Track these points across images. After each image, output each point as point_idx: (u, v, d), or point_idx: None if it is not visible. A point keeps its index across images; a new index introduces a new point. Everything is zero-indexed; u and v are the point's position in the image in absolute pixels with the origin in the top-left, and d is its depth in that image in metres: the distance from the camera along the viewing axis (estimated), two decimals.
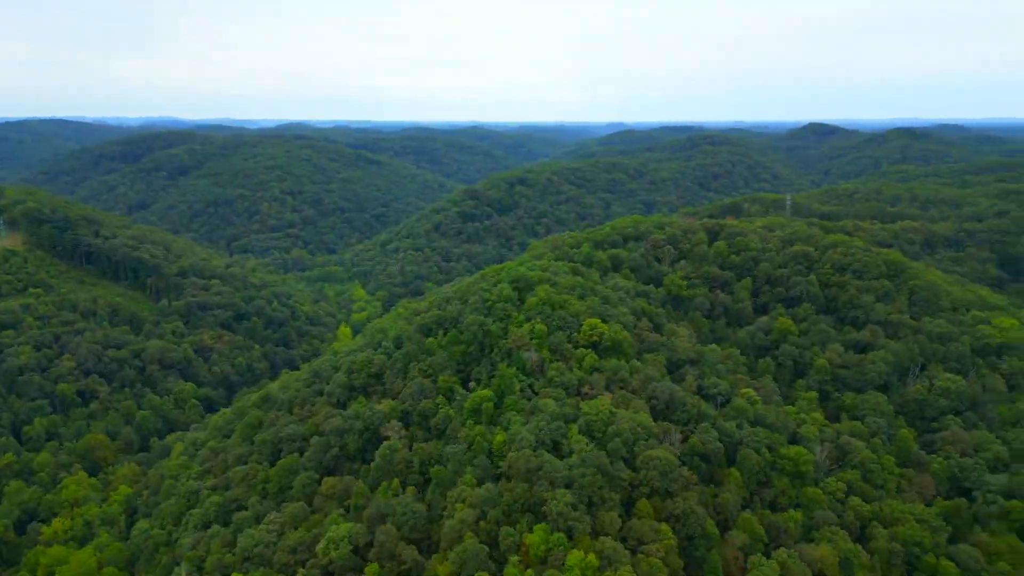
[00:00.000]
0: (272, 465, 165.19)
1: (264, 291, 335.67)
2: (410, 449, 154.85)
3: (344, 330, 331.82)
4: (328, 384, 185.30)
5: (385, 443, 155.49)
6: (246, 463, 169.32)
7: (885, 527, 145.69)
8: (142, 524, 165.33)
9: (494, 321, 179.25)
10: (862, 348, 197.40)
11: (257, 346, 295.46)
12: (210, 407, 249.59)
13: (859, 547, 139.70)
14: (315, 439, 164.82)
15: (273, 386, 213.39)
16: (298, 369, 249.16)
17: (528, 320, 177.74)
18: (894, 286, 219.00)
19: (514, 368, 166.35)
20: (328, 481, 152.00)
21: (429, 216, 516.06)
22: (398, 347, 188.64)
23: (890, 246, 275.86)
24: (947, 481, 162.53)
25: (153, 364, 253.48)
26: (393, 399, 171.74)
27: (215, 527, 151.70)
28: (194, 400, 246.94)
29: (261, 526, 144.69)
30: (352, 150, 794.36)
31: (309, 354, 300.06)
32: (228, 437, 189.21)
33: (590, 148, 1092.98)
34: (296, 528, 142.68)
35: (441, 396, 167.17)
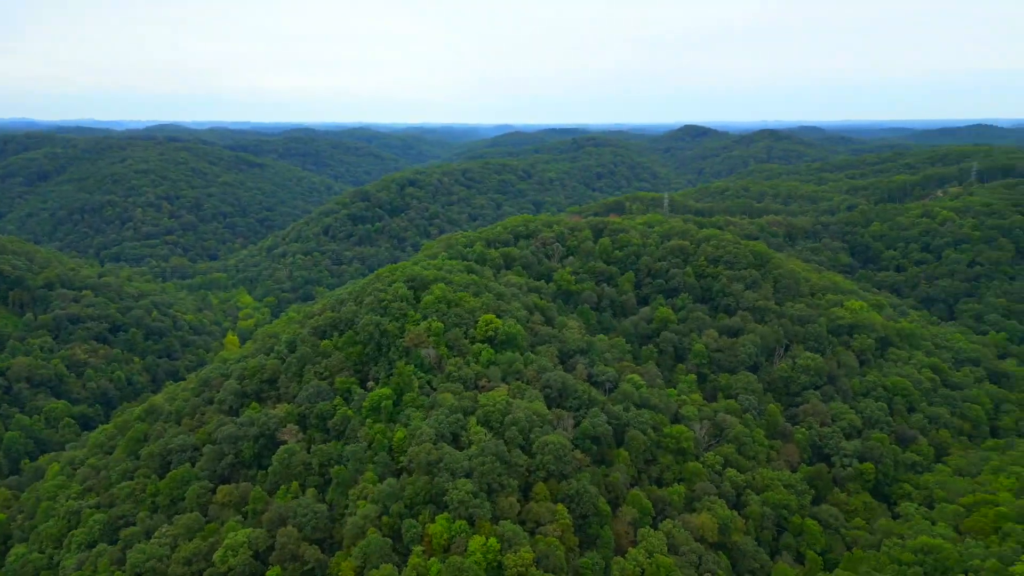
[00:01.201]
0: (161, 478, 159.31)
1: (142, 301, 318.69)
2: (308, 451, 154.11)
3: (231, 338, 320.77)
4: (219, 392, 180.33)
5: (282, 447, 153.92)
6: (132, 478, 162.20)
7: (757, 494, 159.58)
8: (18, 549, 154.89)
9: (390, 320, 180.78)
10: (734, 332, 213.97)
11: (137, 359, 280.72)
12: (86, 425, 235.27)
13: (735, 513, 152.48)
14: (207, 448, 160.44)
15: (157, 398, 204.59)
16: (183, 380, 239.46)
17: (425, 318, 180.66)
18: (760, 275, 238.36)
19: (412, 366, 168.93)
20: (223, 489, 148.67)
21: (318, 219, 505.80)
22: (292, 351, 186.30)
23: (757, 238, 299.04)
24: (809, 449, 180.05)
25: (20, 382, 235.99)
26: (289, 403, 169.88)
27: (101, 545, 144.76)
28: (68, 418, 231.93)
29: (152, 540, 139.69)
30: (232, 152, 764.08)
31: (194, 364, 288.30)
32: (110, 453, 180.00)
33: (479, 149, 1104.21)
34: (191, 539, 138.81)
35: (339, 397, 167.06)
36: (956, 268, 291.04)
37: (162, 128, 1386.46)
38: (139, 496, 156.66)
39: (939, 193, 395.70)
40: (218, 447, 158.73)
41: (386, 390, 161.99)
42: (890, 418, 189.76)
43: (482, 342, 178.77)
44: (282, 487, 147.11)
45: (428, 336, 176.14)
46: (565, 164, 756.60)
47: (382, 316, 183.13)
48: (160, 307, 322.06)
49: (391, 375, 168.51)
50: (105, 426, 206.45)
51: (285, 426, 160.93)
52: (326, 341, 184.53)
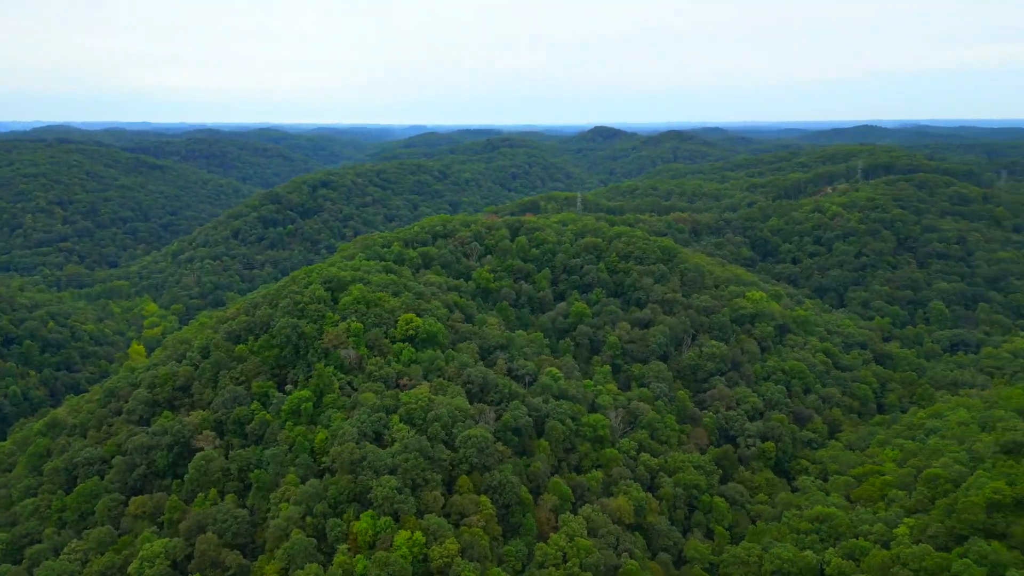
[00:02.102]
0: (68, 493, 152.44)
1: (37, 312, 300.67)
2: (226, 457, 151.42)
3: (137, 347, 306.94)
4: (127, 402, 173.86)
5: (199, 454, 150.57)
6: (35, 495, 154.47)
7: (670, 476, 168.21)
8: None
9: (308, 322, 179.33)
10: (645, 324, 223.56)
11: (33, 372, 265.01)
12: None
13: (649, 495, 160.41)
14: (117, 460, 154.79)
15: (59, 411, 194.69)
16: (86, 392, 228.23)
17: (343, 319, 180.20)
18: (668, 269, 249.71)
19: (332, 367, 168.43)
20: (136, 500, 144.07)
21: (226, 223, 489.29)
22: (205, 356, 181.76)
23: (665, 235, 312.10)
24: (717, 431, 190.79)
25: None
26: (204, 409, 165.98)
27: (4, 566, 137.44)
28: None
29: (61, 557, 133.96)
30: (130, 154, 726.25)
31: (97, 376, 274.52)
32: (10, 471, 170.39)
33: (393, 150, 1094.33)
34: (103, 553, 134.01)
35: (256, 401, 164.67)
36: (845, 259, 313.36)
37: (50, 129, 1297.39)
38: (44, 513, 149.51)
39: (829, 190, 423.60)
40: (129, 458, 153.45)
41: (305, 392, 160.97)
42: (788, 400, 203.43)
43: (403, 341, 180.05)
44: (199, 495, 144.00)
45: (347, 337, 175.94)
46: (480, 165, 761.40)
47: (299, 318, 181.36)
48: (57, 317, 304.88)
49: (310, 377, 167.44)
50: (1, 443, 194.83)
51: (201, 433, 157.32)
52: (241, 345, 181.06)
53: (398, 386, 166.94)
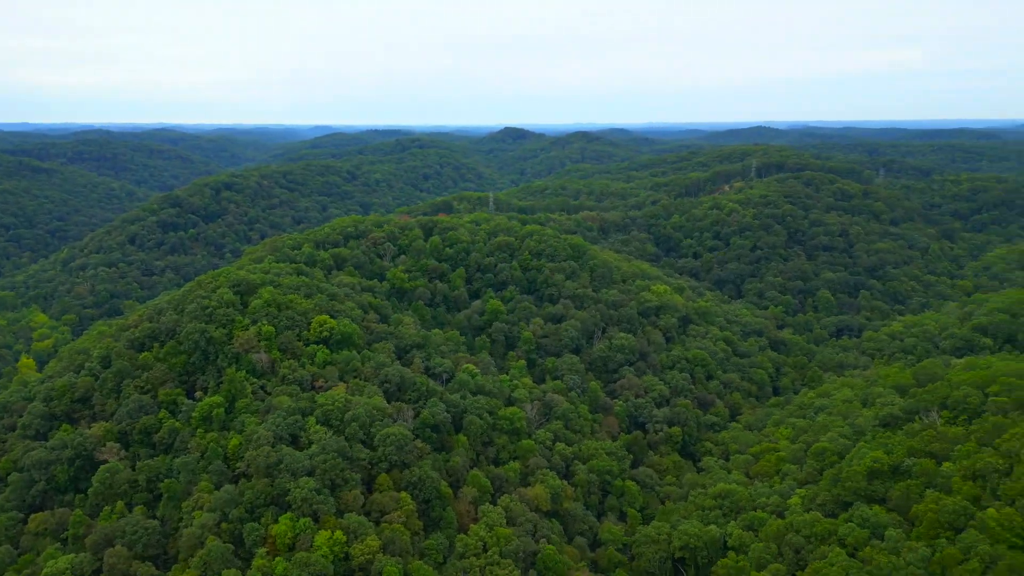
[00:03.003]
0: None
1: None
2: (133, 469, 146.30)
3: (26, 361, 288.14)
4: (22, 417, 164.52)
5: (103, 467, 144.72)
6: None
7: (584, 463, 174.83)
8: None
9: (217, 327, 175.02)
10: (558, 319, 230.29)
11: None
12: None
13: (565, 483, 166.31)
14: (13, 477, 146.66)
15: None
16: None
17: (254, 323, 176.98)
18: (579, 266, 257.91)
19: (243, 371, 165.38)
20: (37, 517, 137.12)
21: (122, 227, 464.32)
22: (106, 366, 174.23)
23: (574, 233, 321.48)
24: (627, 419, 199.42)
25: None
26: (107, 421, 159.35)
27: None
28: None
29: None
30: (11, 157, 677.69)
31: None
32: None
33: (299, 151, 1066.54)
34: (2, 574, 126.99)
35: (164, 410, 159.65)
36: (741, 253, 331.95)
37: None
38: None
39: (726, 187, 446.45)
40: (26, 474, 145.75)
41: (217, 398, 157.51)
42: (692, 386, 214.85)
43: (317, 343, 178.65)
44: (105, 508, 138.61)
45: (259, 341, 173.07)
46: (391, 165, 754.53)
47: (207, 323, 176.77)
48: None
49: (221, 383, 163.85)
50: None
51: (104, 445, 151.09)
52: (146, 353, 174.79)
53: (314, 388, 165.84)
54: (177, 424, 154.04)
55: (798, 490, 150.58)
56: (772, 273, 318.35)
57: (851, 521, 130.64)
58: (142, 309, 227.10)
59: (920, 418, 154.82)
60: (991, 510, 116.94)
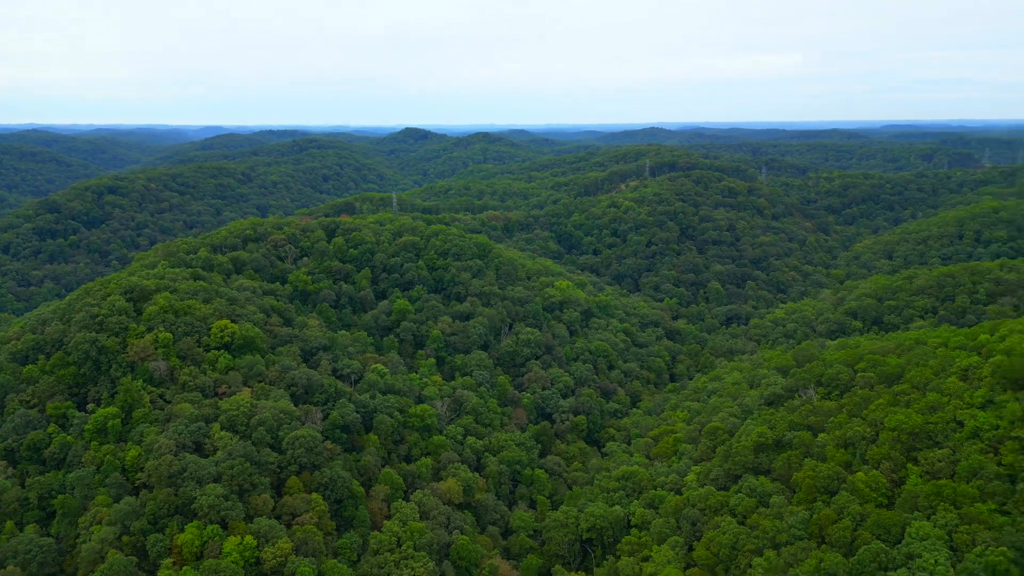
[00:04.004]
0: None
1: None
2: (23, 486, 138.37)
3: None
4: None
5: None
6: None
7: (494, 455, 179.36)
8: None
9: (108, 336, 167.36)
10: (465, 317, 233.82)
11: None
12: None
13: (476, 475, 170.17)
14: None
15: None
16: None
17: (150, 330, 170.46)
18: (484, 264, 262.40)
19: (140, 380, 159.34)
20: None
21: None
22: None
23: (479, 232, 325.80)
24: (535, 410, 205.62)
25: None
26: None
27: None
28: None
29: None
30: None
31: None
32: None
33: (189, 152, 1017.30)
34: None
35: (53, 424, 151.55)
36: (638, 248, 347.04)
37: None
38: None
39: (623, 186, 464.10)
40: None
41: (112, 409, 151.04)
42: (596, 376, 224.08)
43: (218, 348, 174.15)
44: None
45: (155, 348, 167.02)
46: (288, 167, 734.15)
47: (98, 332, 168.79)
48: None
49: (115, 393, 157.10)
50: None
51: None
52: (30, 366, 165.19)
53: (216, 394, 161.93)
54: (69, 438, 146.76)
55: (694, 467, 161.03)
56: (666, 267, 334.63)
57: (740, 492, 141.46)
58: (20, 321, 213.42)
59: (799, 395, 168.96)
60: (860, 474, 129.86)
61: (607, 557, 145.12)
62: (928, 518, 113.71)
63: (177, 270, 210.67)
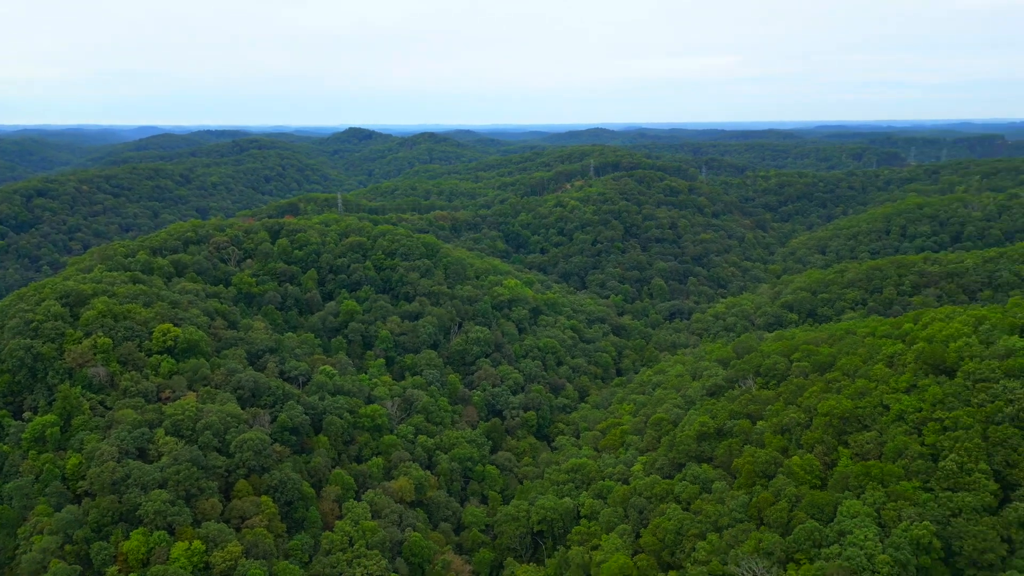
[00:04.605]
0: None
1: None
2: None
3: None
4: None
5: None
6: None
7: (446, 453, 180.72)
8: None
9: (44, 342, 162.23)
10: (414, 316, 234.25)
11: None
12: None
13: (428, 473, 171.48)
14: None
15: None
16: None
17: (88, 335, 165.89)
18: (432, 264, 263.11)
19: (79, 387, 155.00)
20: None
21: None
22: None
23: (427, 232, 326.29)
24: (485, 408, 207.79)
25: None
26: None
27: None
28: None
29: None
30: None
31: None
32: None
33: (123, 153, 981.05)
34: None
35: None
36: (584, 247, 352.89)
37: None
38: None
39: (568, 186, 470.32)
40: None
41: (50, 417, 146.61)
42: (545, 372, 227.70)
43: (160, 353, 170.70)
44: None
45: (95, 354, 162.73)
46: (229, 168, 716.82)
47: (33, 339, 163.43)
48: None
49: (53, 401, 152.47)
50: None
51: None
52: None
53: (160, 399, 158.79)
54: (5, 447, 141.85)
55: (640, 458, 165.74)
56: (612, 265, 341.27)
57: (684, 479, 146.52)
58: None
59: (739, 385, 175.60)
60: (795, 458, 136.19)
61: (558, 548, 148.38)
62: (858, 497, 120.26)
63: (115, 274, 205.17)
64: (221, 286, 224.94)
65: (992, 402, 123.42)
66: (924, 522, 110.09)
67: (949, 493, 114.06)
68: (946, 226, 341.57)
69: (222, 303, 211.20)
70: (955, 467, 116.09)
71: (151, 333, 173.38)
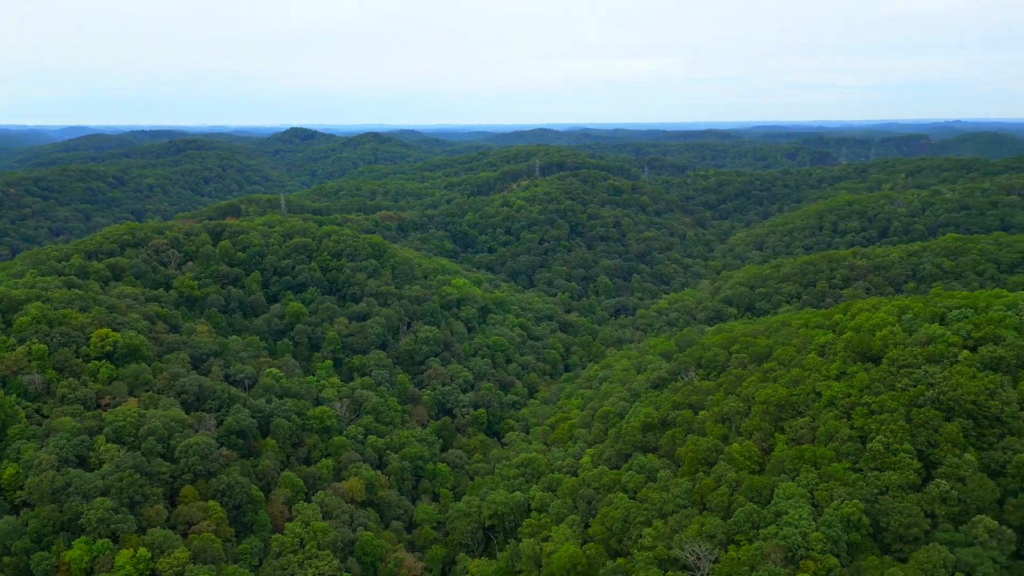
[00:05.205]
0: None
1: None
2: None
3: None
4: None
5: None
6: None
7: (396, 452, 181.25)
8: None
9: None
10: (362, 317, 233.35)
11: None
12: None
13: (379, 472, 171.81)
14: None
15: None
16: None
17: (22, 342, 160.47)
18: (380, 264, 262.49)
19: (13, 395, 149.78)
20: None
21: None
22: None
23: (373, 232, 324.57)
24: (435, 406, 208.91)
25: None
26: None
27: None
28: None
29: None
30: None
31: None
32: None
33: (50, 155, 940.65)
34: None
35: None
36: (531, 245, 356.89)
37: None
38: None
39: (514, 186, 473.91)
40: None
41: None
42: (494, 370, 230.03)
43: (99, 359, 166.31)
44: None
45: (29, 361, 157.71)
46: (165, 169, 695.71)
47: None
48: None
49: None
50: None
51: None
52: None
53: (100, 406, 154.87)
54: None
55: (588, 450, 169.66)
56: (558, 263, 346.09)
57: (631, 469, 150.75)
58: None
59: (681, 377, 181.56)
60: (735, 444, 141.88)
61: (509, 541, 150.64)
62: (793, 479, 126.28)
63: (48, 278, 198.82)
64: (161, 290, 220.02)
65: (915, 386, 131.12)
66: (854, 501, 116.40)
67: (876, 473, 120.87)
68: (874, 222, 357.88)
69: (163, 307, 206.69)
70: (881, 448, 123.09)
71: (88, 339, 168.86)
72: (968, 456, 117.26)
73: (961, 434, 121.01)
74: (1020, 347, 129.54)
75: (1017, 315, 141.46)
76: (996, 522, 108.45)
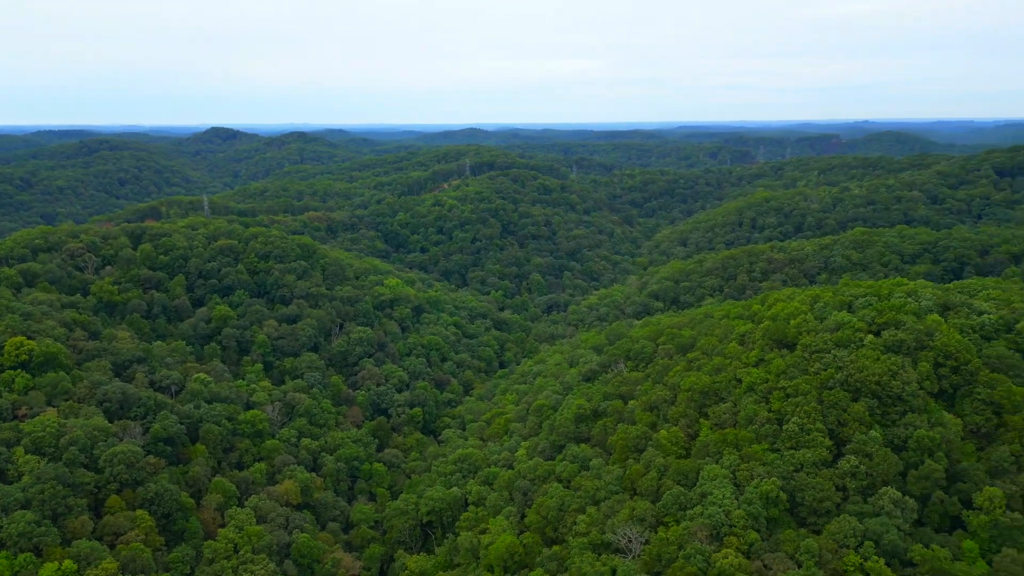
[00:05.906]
0: None
1: None
2: None
3: None
4: None
5: None
6: None
7: (331, 454, 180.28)
8: None
9: None
10: (292, 320, 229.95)
11: None
12: None
13: (314, 475, 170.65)
14: None
15: None
16: None
17: None
18: (309, 265, 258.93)
19: None
20: None
21: None
22: None
23: (302, 233, 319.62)
24: (370, 407, 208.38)
25: None
26: None
27: None
28: None
29: None
30: None
31: None
32: None
33: None
34: None
35: None
36: (464, 245, 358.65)
37: None
38: None
39: (445, 185, 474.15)
40: None
41: None
42: (429, 369, 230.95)
43: (14, 368, 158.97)
44: None
45: None
46: (76, 170, 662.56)
47: None
48: None
49: None
50: None
51: None
52: None
53: (16, 417, 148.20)
54: None
55: (523, 443, 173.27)
56: (491, 262, 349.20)
57: (564, 460, 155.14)
58: None
59: (612, 369, 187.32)
60: (663, 431, 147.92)
61: (447, 536, 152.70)
62: (716, 462, 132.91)
63: None
64: (79, 295, 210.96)
65: (825, 370, 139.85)
66: (772, 479, 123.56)
67: (792, 452, 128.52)
68: (790, 217, 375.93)
69: (81, 313, 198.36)
70: (796, 428, 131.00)
71: (2, 348, 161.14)
72: (874, 433, 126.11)
73: (867, 413, 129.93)
74: (919, 331, 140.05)
75: (916, 301, 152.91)
76: (900, 493, 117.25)
